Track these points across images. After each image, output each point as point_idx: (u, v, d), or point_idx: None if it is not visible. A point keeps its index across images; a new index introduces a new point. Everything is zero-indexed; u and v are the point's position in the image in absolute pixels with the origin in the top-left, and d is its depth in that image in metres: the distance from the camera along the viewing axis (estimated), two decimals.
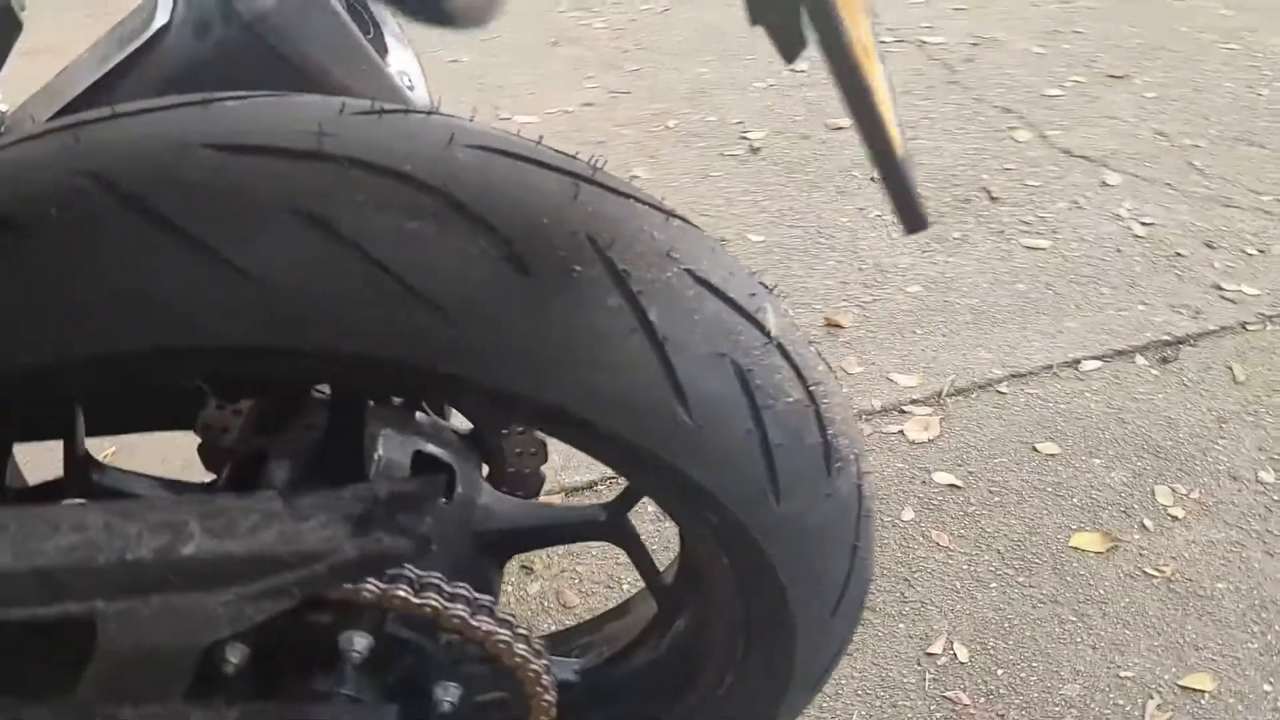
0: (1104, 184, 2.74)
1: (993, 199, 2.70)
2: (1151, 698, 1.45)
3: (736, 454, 0.82)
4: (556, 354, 0.75)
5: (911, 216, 0.60)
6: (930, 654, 1.52)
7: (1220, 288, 2.29)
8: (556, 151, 0.80)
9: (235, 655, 0.91)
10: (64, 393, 0.79)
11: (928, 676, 1.49)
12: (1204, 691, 1.46)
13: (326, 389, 1.05)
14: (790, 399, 0.83)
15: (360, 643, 0.90)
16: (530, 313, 0.74)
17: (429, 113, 0.79)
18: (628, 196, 0.81)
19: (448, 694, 0.95)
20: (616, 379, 0.76)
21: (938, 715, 1.45)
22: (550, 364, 0.75)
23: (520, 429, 1.16)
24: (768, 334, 0.82)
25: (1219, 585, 1.62)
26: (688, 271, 0.79)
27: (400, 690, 0.95)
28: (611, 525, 1.04)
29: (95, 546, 0.80)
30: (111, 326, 0.72)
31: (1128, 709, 1.44)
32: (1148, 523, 1.73)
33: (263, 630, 0.85)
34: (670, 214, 0.82)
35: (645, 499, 1.10)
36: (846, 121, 3.17)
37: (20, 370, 0.73)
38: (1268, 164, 2.79)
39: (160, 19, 0.99)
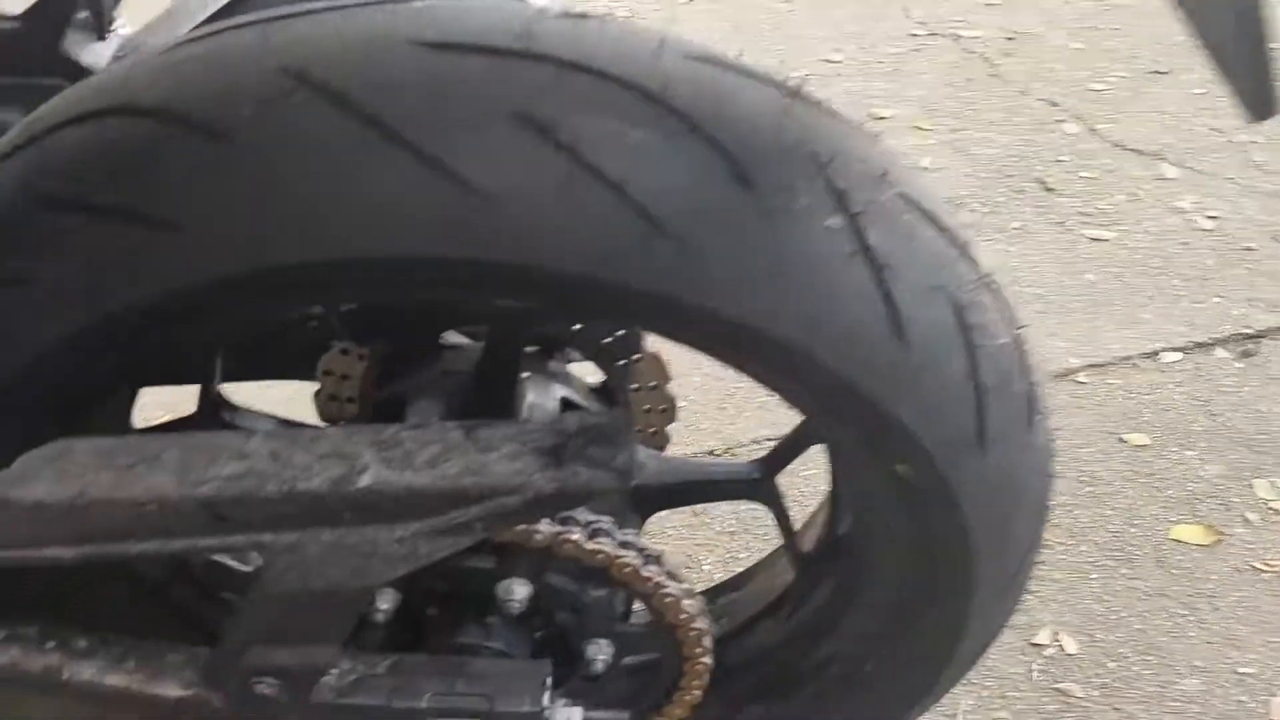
0: (1161, 177, 2.70)
1: (1048, 189, 2.66)
2: (1275, 694, 1.40)
3: (948, 396, 0.76)
4: (775, 274, 0.70)
5: (1266, 99, 0.56)
6: (1036, 644, 1.47)
7: None
8: (758, 65, 0.75)
9: (386, 602, 0.86)
10: (256, 306, 0.73)
11: (1035, 667, 1.44)
12: None
13: (456, 336, 1.00)
14: (1001, 341, 0.78)
15: (520, 592, 0.85)
16: (751, 230, 0.69)
17: (625, 20, 0.74)
18: (834, 114, 0.76)
19: (601, 652, 0.89)
20: (832, 305, 0.71)
21: (1050, 707, 1.39)
22: (768, 285, 0.70)
23: (652, 384, 1.10)
24: (979, 269, 0.77)
25: None
26: (901, 196, 0.74)
27: (547, 647, 0.90)
28: (762, 484, 0.99)
29: (263, 476, 0.74)
30: (316, 234, 0.66)
31: (1250, 705, 1.39)
32: (1250, 516, 1.68)
33: (415, 576, 0.80)
34: (875, 135, 0.78)
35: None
36: (889, 110, 3.14)
37: (220, 280, 0.67)
38: None
39: None
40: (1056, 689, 1.41)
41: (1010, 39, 3.59)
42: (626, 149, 0.66)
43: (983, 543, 0.85)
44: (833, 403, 0.76)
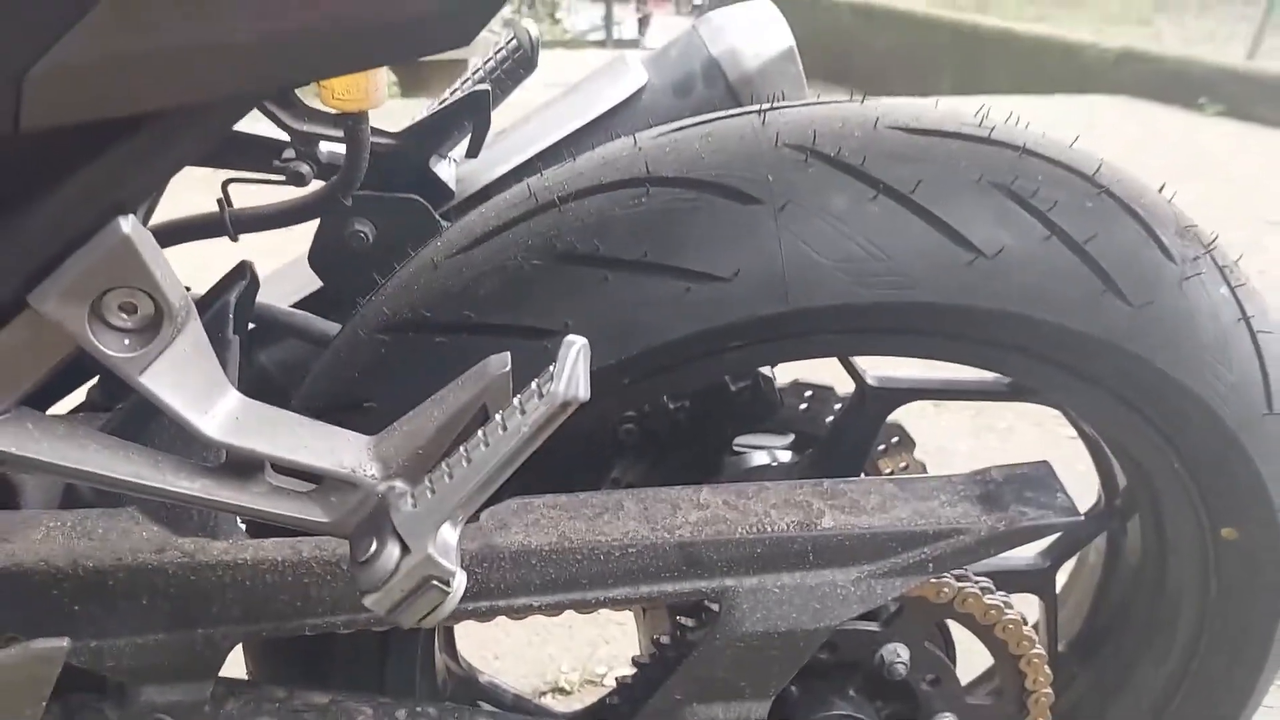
0: None
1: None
2: None
3: None
4: (1191, 331, 0.81)
5: None
6: None
7: None
8: None
9: None
10: (773, 350, 0.80)
11: None
12: None
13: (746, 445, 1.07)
14: None
15: (904, 654, 0.89)
16: (1175, 293, 0.81)
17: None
18: None
19: None
20: (1229, 362, 0.83)
21: None
22: (1188, 341, 0.81)
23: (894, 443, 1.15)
24: None
25: None
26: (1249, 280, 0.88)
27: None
28: (1047, 575, 1.06)
29: (731, 521, 0.80)
30: (838, 278, 0.75)
31: None
32: None
33: None
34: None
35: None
36: None
37: (759, 320, 0.75)
38: None
39: (638, 79, 1.06)
40: None
41: None
42: (1084, 215, 0.78)
43: None
44: (1213, 459, 0.86)
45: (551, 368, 0.61)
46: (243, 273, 0.85)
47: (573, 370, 0.60)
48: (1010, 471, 0.85)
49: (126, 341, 0.60)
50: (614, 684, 0.89)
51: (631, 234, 0.76)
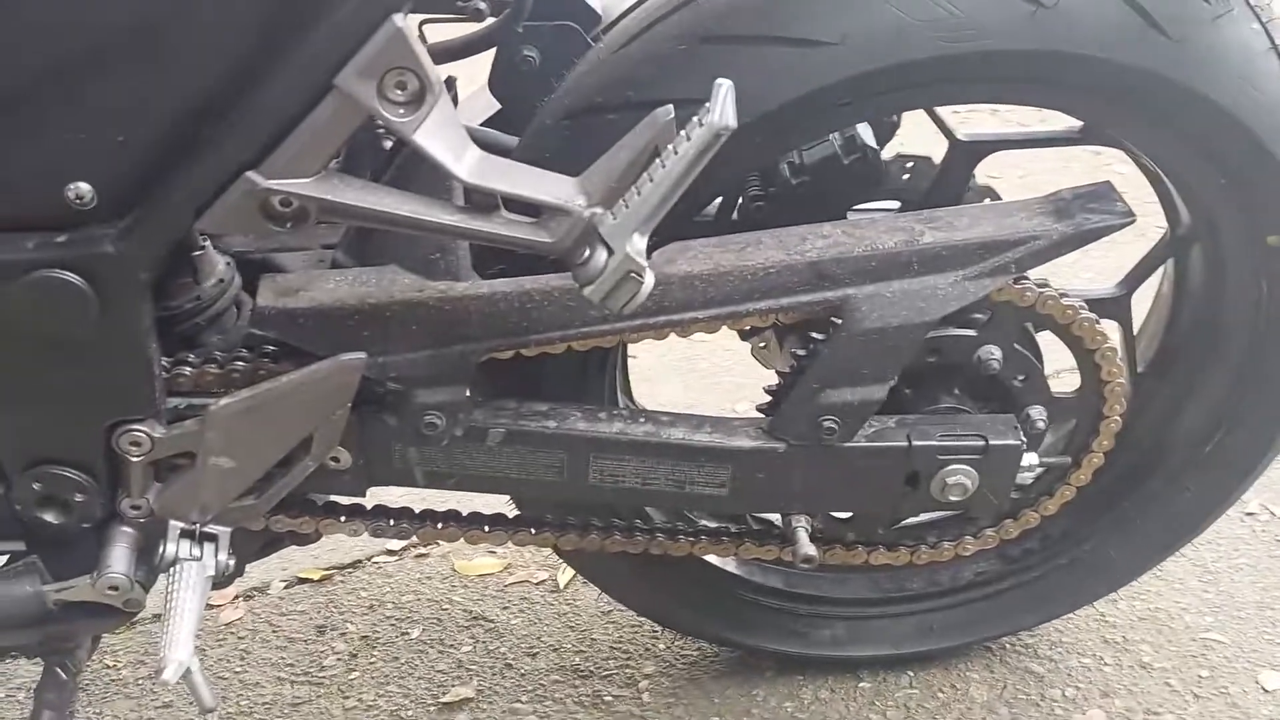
0: None
1: None
2: None
3: None
4: (1225, 60, 0.99)
5: None
6: (1250, 513, 1.73)
7: None
8: None
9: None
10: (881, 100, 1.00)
11: (1256, 528, 1.70)
12: None
13: None
14: None
15: (997, 353, 1.10)
16: (1215, 33, 0.98)
17: None
18: None
19: (1042, 415, 1.14)
20: (1263, 86, 1.00)
21: (1276, 553, 1.65)
22: (1224, 67, 0.98)
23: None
24: None
25: None
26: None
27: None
28: (1121, 302, 1.25)
29: (849, 243, 1.01)
30: (926, 35, 0.94)
31: None
32: None
33: None
34: None
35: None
36: None
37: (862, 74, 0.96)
38: None
39: None
40: (1278, 540, 1.68)
41: None
42: None
43: None
44: (1252, 173, 1.03)
45: (707, 104, 0.82)
46: (449, 85, 1.08)
47: (724, 104, 0.81)
48: (1077, 190, 1.04)
49: (402, 111, 0.83)
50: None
51: (755, 15, 0.96)
